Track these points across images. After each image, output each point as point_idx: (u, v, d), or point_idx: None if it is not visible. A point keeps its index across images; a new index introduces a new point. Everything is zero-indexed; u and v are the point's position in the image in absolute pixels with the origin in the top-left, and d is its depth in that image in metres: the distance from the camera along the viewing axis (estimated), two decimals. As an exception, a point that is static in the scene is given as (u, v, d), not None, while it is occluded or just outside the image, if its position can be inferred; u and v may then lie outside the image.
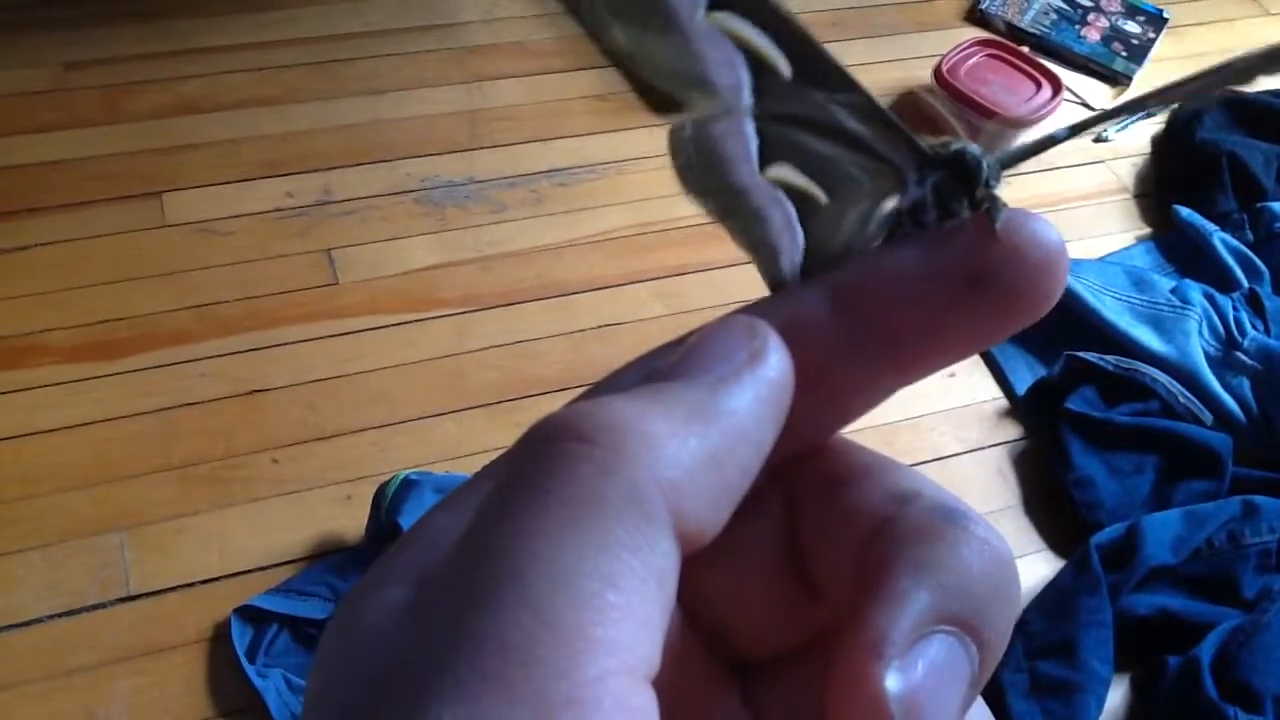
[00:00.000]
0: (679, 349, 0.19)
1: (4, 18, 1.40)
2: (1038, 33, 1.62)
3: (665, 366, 0.19)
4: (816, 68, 0.21)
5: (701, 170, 0.22)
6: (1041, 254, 0.19)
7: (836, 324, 0.20)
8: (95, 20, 1.42)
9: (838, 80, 0.21)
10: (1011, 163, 0.22)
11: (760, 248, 0.23)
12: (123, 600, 0.95)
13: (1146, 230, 1.40)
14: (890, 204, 0.21)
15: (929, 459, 1.14)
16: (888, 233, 0.22)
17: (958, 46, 1.50)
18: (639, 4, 0.20)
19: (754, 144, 0.22)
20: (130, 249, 1.19)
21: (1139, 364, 1.14)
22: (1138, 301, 1.22)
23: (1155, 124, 1.54)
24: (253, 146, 1.31)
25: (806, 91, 0.21)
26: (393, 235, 1.25)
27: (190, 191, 1.25)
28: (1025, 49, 1.56)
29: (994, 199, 0.20)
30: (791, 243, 0.23)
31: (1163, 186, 1.45)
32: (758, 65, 0.21)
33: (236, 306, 1.16)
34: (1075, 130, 0.23)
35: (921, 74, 1.52)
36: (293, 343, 1.14)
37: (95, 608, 0.94)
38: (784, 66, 0.21)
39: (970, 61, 1.48)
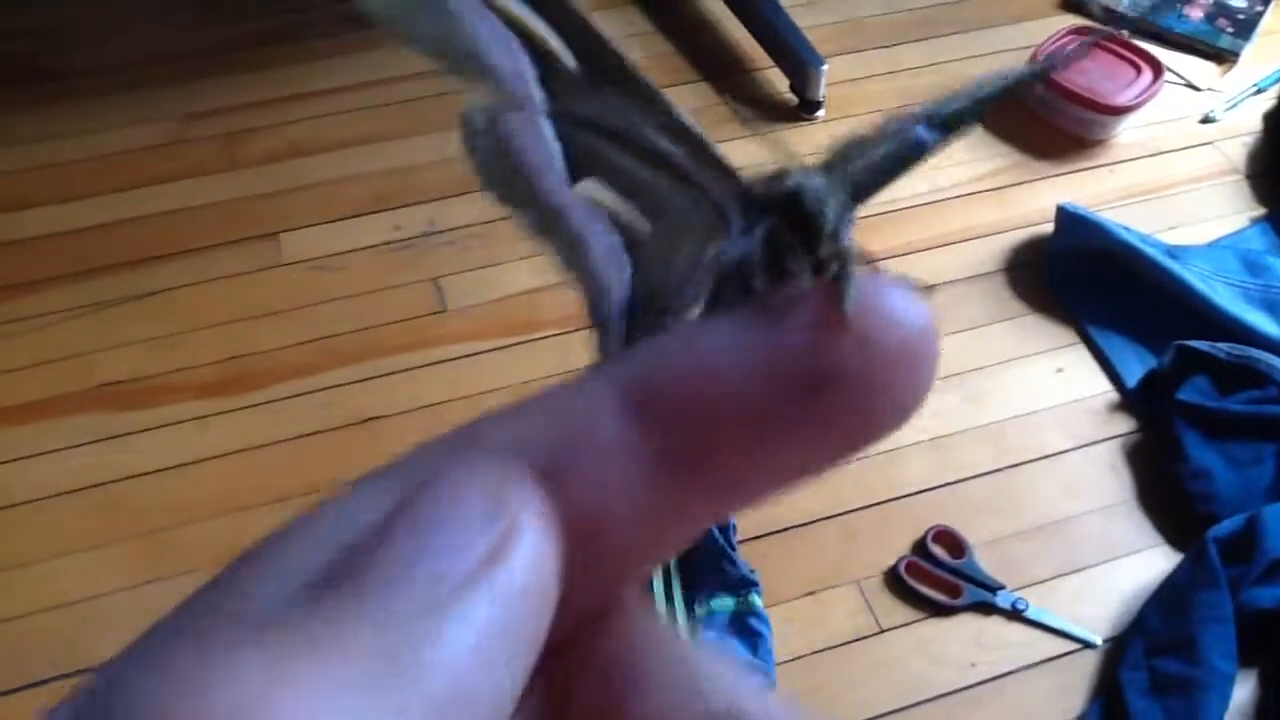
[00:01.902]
0: (385, 523, 0.13)
1: (122, 77, 1.49)
2: (1136, 15, 1.58)
3: (350, 565, 0.13)
4: (604, 64, 0.17)
5: (504, 173, 0.19)
6: (905, 346, 0.15)
7: (631, 438, 0.15)
8: (205, 73, 1.50)
9: (629, 83, 0.17)
10: (870, 191, 0.18)
11: (582, 278, 0.20)
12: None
13: (1260, 211, 1.36)
14: (714, 252, 0.17)
15: (1038, 457, 1.13)
16: (712, 293, 0.18)
17: (1052, 36, 1.48)
18: None
19: (557, 151, 0.18)
20: (250, 289, 1.26)
21: (1253, 350, 1.11)
22: (1251, 286, 1.19)
23: (1267, 99, 1.49)
24: (359, 184, 1.37)
25: (606, 94, 0.18)
26: (494, 261, 1.30)
27: (303, 231, 1.32)
28: (1124, 33, 1.53)
29: (844, 259, 0.15)
30: (618, 278, 0.20)
31: (1276, 165, 1.41)
32: (540, 52, 0.17)
33: (351, 338, 1.21)
34: (936, 132, 0.19)
35: (1017, 67, 1.50)
36: (406, 370, 1.19)
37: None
38: (567, 57, 0.18)
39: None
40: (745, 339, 0.15)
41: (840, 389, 0.14)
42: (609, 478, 0.14)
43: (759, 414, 0.14)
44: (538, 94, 0.18)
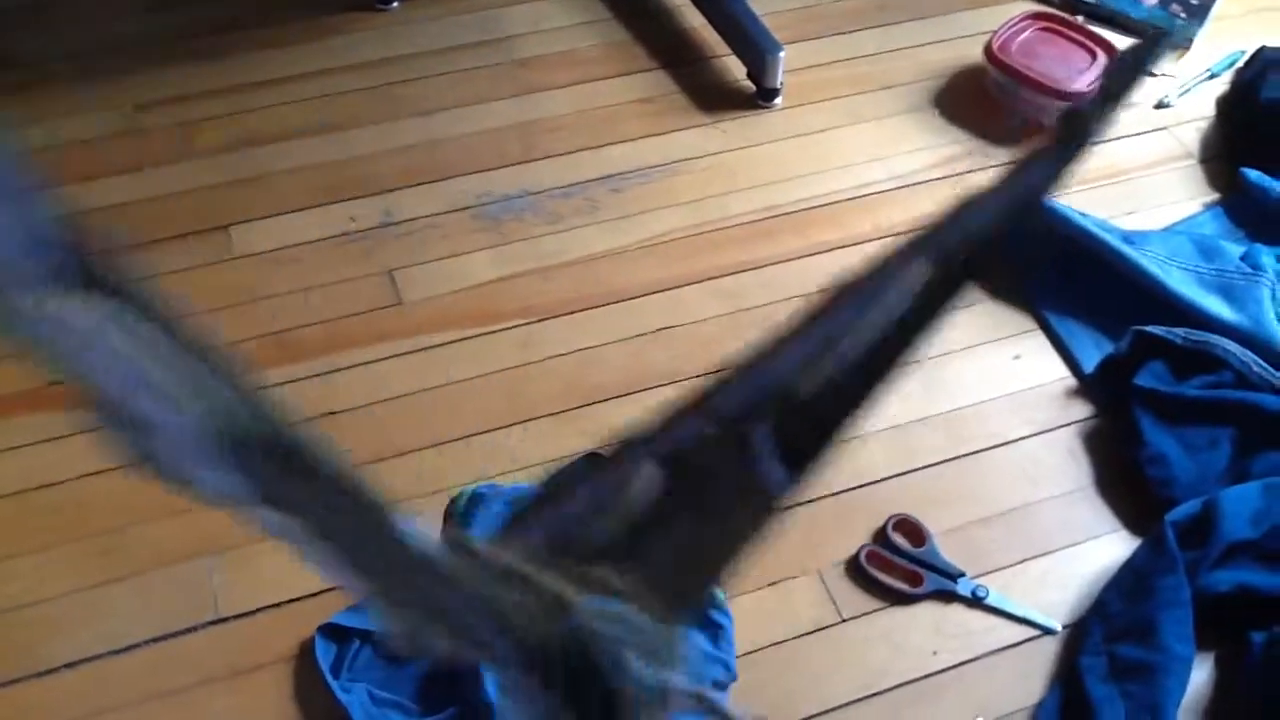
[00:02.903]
0: None
1: (73, 65, 1.46)
2: (1093, 0, 1.59)
3: None
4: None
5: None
6: None
7: None
8: (157, 61, 1.47)
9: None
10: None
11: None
12: (213, 623, 0.98)
13: (1214, 196, 1.37)
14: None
15: (997, 444, 1.13)
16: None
17: (1008, 21, 1.48)
18: None
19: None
20: (202, 282, 1.23)
21: (1209, 335, 1.12)
22: (1206, 270, 1.20)
23: (1219, 85, 1.50)
24: (314, 174, 1.35)
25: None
26: (453, 252, 1.28)
27: (256, 223, 1.30)
28: (1079, 18, 1.53)
29: None
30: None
31: (1229, 149, 1.42)
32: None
33: (306, 332, 1.19)
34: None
35: (973, 52, 1.50)
36: (362, 364, 1.17)
37: (187, 631, 0.98)
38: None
39: (1022, 36, 1.46)
40: None
41: None
42: None
43: None
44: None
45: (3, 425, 1.10)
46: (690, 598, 0.15)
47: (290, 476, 0.16)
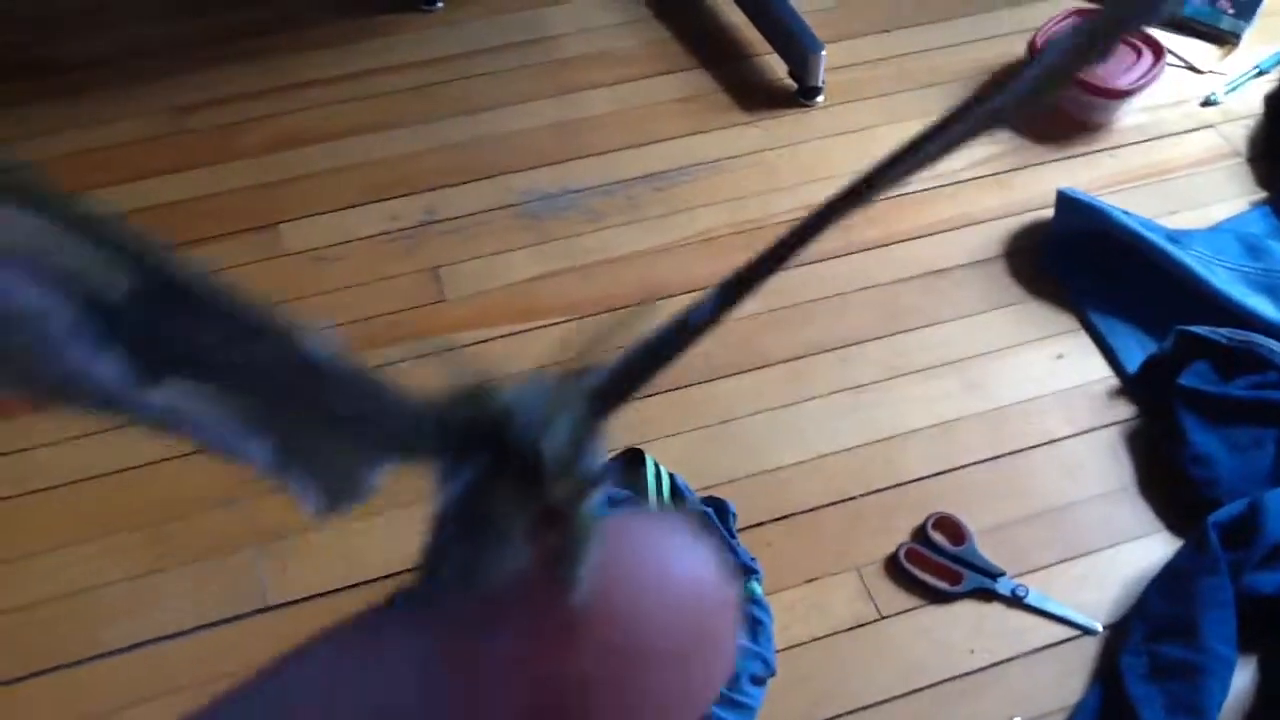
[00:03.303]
0: None
1: (115, 69, 1.49)
2: (1137, -3, 1.57)
3: None
4: (171, 283, 0.15)
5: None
6: (685, 635, 0.10)
7: None
8: (198, 64, 1.50)
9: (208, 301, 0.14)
10: (623, 392, 0.14)
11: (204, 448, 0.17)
12: (261, 610, 1.00)
13: (1261, 194, 1.35)
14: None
15: (1040, 443, 1.13)
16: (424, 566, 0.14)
17: (1053, 18, 1.47)
18: None
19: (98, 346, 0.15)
20: (249, 279, 1.25)
21: (1254, 335, 1.11)
22: (1251, 270, 1.19)
23: (1268, 82, 1.49)
24: (358, 173, 1.37)
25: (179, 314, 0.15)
26: (495, 250, 1.29)
27: (302, 221, 1.32)
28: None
29: (578, 519, 0.11)
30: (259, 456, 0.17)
31: (1277, 147, 1.40)
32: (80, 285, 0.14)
33: (351, 328, 1.21)
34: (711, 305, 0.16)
35: (1015, 49, 1.49)
36: (406, 360, 1.19)
37: (236, 619, 1.00)
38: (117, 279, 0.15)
39: (1066, 34, 1.45)
40: (412, 671, 0.10)
41: None
42: None
43: None
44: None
45: (57, 418, 1.13)
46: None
47: (181, 321, 0.15)
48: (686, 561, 0.10)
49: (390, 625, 0.14)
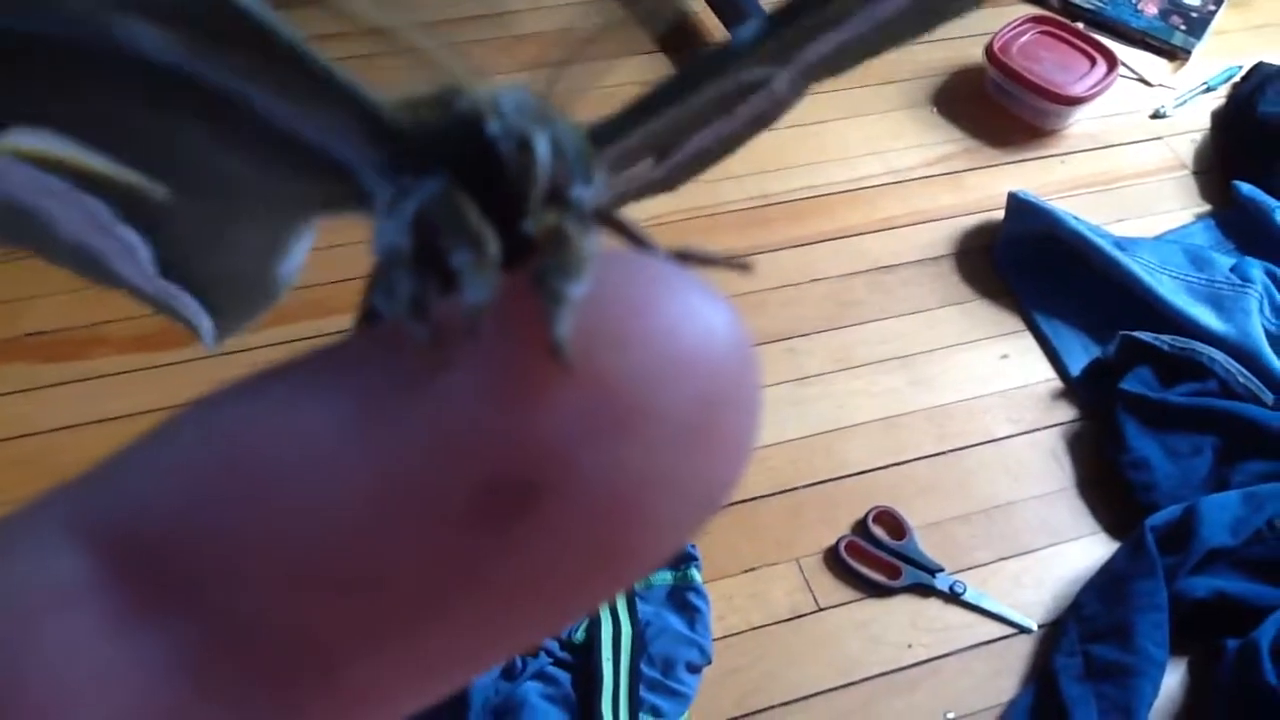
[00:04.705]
0: None
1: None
2: (1092, 7, 1.59)
3: None
4: None
5: None
6: (692, 403, 0.09)
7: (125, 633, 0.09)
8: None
9: None
10: (630, 127, 0.11)
11: (61, 260, 0.14)
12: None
13: (1206, 207, 1.37)
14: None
15: (983, 441, 1.13)
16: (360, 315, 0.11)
17: (1010, 23, 1.48)
18: None
19: None
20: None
21: (1196, 343, 1.12)
22: (1196, 280, 1.20)
23: (1216, 98, 1.51)
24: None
25: None
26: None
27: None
28: (1079, 25, 1.53)
29: (565, 241, 0.09)
30: (128, 260, 0.14)
31: (1223, 162, 1.42)
32: None
33: (292, 296, 1.17)
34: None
35: (972, 52, 1.50)
36: (347, 329, 1.16)
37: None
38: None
39: (1022, 39, 1.46)
40: (360, 424, 0.09)
41: (556, 509, 0.08)
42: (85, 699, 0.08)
43: (390, 577, 0.08)
44: None
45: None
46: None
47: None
48: (700, 311, 0.08)
49: (322, 371, 0.11)
